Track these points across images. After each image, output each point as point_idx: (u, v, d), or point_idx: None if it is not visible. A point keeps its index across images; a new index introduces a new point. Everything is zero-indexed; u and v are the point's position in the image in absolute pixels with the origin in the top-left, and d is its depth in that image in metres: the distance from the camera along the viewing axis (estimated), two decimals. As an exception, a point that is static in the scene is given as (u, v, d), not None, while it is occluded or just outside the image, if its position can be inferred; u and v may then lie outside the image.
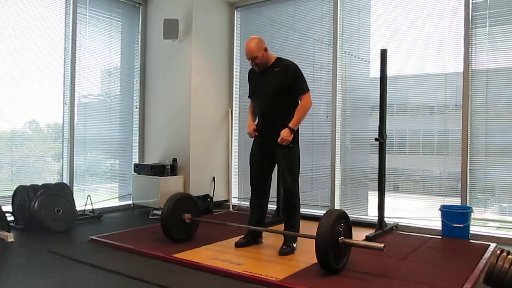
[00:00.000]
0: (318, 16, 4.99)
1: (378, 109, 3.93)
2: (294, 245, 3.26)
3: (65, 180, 4.74)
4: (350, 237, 2.89)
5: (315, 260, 2.71)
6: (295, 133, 3.28)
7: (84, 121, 4.97)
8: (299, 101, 3.27)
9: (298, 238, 3.29)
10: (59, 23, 4.71)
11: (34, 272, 2.75)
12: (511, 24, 3.91)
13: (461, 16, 4.10)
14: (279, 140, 3.19)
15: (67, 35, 4.76)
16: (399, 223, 4.20)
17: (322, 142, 4.93)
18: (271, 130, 3.27)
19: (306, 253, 3.13)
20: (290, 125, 3.20)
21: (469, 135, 4.06)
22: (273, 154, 3.33)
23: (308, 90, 3.28)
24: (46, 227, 3.79)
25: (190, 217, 3.46)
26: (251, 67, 3.44)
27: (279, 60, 3.35)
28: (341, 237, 2.75)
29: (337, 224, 2.74)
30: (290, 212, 3.30)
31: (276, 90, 3.27)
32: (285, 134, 3.18)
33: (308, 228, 3.30)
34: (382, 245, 2.72)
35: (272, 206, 3.49)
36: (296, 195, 3.29)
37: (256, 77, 3.43)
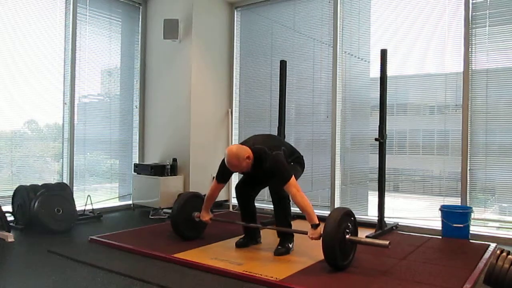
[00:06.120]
0: (318, 16, 4.98)
1: (378, 109, 3.93)
2: (290, 246, 3.25)
3: (65, 180, 4.74)
4: (356, 235, 2.92)
5: (315, 260, 2.71)
6: (292, 158, 3.34)
7: (84, 121, 4.97)
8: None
9: (298, 237, 3.28)
10: (59, 23, 4.71)
11: (34, 272, 2.75)
12: (511, 24, 3.91)
13: (461, 16, 4.10)
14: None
15: (67, 35, 4.76)
16: (399, 223, 4.20)
17: (322, 142, 4.93)
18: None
19: (306, 253, 3.13)
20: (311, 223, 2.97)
21: (469, 135, 4.06)
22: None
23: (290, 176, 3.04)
24: (46, 227, 3.79)
25: (199, 216, 3.49)
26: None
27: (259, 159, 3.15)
28: (348, 234, 2.78)
29: (344, 221, 2.77)
30: (281, 216, 3.27)
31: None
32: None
33: (308, 227, 3.28)
34: (387, 242, 2.76)
35: (271, 206, 3.47)
36: (286, 197, 3.24)
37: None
